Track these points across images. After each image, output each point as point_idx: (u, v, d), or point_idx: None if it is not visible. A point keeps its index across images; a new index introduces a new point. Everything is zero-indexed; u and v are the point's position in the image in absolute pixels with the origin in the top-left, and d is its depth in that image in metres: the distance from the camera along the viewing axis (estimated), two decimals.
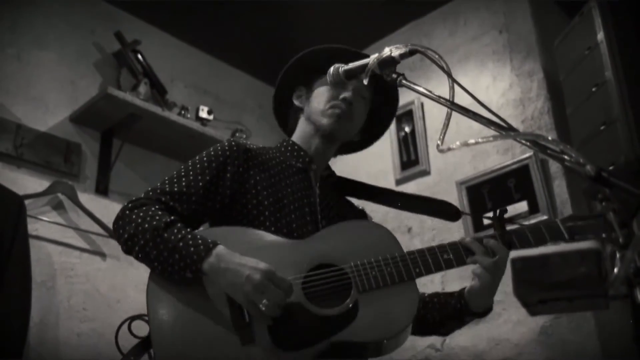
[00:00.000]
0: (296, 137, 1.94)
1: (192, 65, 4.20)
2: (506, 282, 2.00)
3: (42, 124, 3.25)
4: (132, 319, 1.71)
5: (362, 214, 2.02)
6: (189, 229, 1.57)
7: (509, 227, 1.69)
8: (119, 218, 1.63)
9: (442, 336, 1.88)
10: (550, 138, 1.07)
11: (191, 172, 1.71)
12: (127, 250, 1.61)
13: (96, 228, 3.19)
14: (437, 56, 1.36)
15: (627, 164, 2.61)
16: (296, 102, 1.95)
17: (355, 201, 2.07)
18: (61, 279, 3.05)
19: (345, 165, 4.17)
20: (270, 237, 1.66)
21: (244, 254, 1.52)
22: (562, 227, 1.64)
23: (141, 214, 1.58)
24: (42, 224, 3.05)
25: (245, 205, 1.71)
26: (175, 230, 1.54)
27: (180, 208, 1.65)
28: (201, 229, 1.72)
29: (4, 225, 2.63)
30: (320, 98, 1.86)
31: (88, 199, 3.25)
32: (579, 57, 3.01)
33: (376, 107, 1.97)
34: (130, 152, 3.56)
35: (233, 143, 1.79)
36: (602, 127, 2.78)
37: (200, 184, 1.68)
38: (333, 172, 1.99)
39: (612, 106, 2.72)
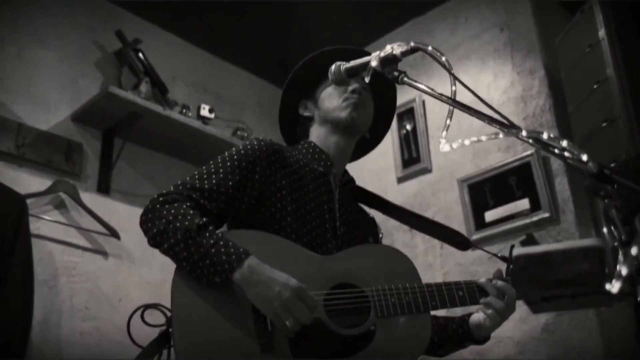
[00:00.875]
0: (315, 140, 1.95)
1: (193, 64, 4.20)
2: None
3: (43, 123, 3.25)
4: (147, 307, 1.71)
5: (372, 222, 2.05)
6: (220, 234, 1.58)
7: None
8: (148, 211, 1.61)
9: (438, 357, 1.91)
10: (552, 135, 1.07)
11: (221, 170, 1.69)
12: (154, 245, 1.60)
13: (98, 227, 3.19)
14: (438, 54, 1.35)
15: (629, 160, 2.61)
16: (305, 113, 1.97)
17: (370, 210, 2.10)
18: (63, 278, 3.05)
19: (348, 165, 4.17)
20: (296, 248, 1.68)
21: (269, 264, 1.53)
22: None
23: (173, 211, 1.57)
24: (44, 223, 3.05)
25: (268, 209, 1.72)
26: (207, 235, 1.53)
27: (210, 206, 1.64)
28: (224, 228, 1.74)
29: (6, 224, 2.63)
30: (330, 98, 1.89)
31: (90, 198, 3.25)
32: (580, 55, 3.01)
33: (377, 104, 1.99)
34: (132, 151, 3.56)
35: (262, 143, 1.77)
36: (603, 124, 2.78)
37: (230, 183, 1.67)
38: (352, 179, 2.02)
39: (614, 103, 2.73)
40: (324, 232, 1.76)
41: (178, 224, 1.54)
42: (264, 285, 1.48)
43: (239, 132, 3.95)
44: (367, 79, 1.49)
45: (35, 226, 2.95)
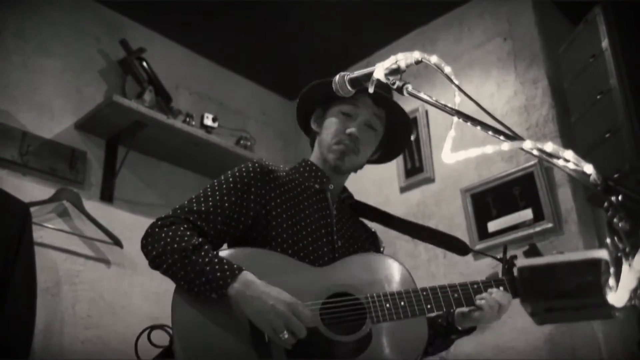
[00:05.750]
0: (313, 157, 2.00)
1: (196, 73, 4.21)
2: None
3: (47, 132, 3.26)
4: (153, 328, 1.79)
5: (373, 236, 2.08)
6: (215, 252, 1.64)
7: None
8: (147, 235, 1.69)
9: (429, 355, 1.91)
10: (555, 146, 1.07)
11: (217, 193, 1.77)
12: (155, 267, 1.66)
13: (101, 235, 3.19)
14: (442, 65, 1.35)
15: (632, 171, 2.61)
16: (312, 126, 2.01)
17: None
18: (66, 286, 3.05)
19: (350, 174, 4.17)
20: (291, 261, 1.73)
21: (265, 278, 1.59)
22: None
23: (170, 233, 1.64)
24: (47, 231, 3.05)
25: (264, 227, 1.78)
26: (202, 253, 1.60)
27: (207, 228, 1.71)
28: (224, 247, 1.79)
29: (9, 232, 2.63)
30: (328, 130, 1.93)
31: (93, 206, 3.26)
32: (583, 65, 3.01)
33: (392, 125, 1.99)
34: (135, 160, 3.57)
35: (257, 165, 1.85)
36: (607, 135, 2.77)
37: (227, 204, 1.75)
38: (351, 195, 2.06)
39: (617, 114, 2.72)
40: (321, 246, 1.81)
41: (175, 246, 1.61)
42: (257, 300, 1.54)
43: (242, 141, 3.95)
44: (370, 90, 1.48)
45: (38, 234, 2.95)
